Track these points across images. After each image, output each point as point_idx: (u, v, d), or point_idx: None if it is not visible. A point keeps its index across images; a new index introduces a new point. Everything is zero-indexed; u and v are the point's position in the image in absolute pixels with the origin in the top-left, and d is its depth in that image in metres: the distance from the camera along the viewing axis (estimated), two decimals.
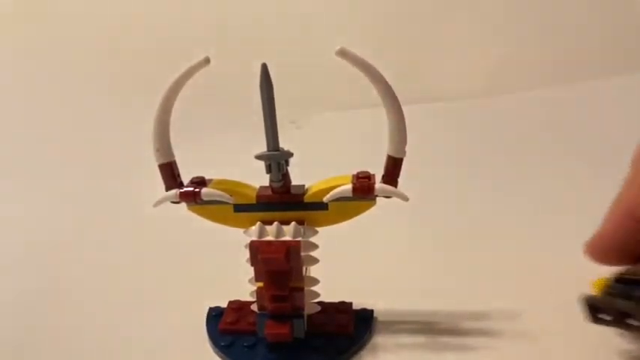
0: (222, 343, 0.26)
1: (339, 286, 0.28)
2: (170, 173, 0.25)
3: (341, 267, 0.28)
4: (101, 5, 0.73)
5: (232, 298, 0.29)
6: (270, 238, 0.24)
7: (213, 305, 0.29)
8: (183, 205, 0.25)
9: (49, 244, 0.40)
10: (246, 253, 0.24)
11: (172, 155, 0.25)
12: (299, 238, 0.24)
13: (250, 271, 0.25)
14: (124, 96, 0.65)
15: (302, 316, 0.25)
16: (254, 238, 0.24)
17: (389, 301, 0.29)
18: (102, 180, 0.51)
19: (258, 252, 0.23)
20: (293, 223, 0.24)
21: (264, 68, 0.22)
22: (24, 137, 0.59)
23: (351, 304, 0.29)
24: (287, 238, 0.24)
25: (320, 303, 0.27)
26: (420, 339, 0.27)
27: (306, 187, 0.25)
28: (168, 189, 0.25)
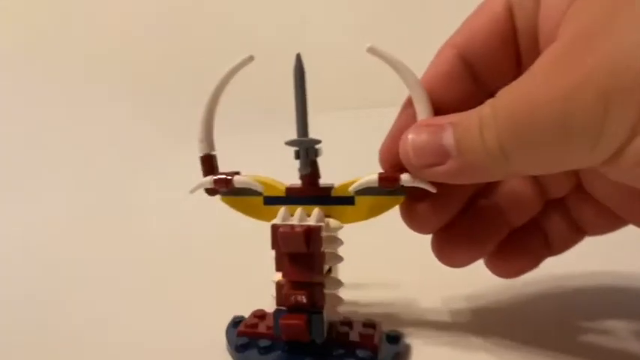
0: (238, 343, 0.25)
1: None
2: (210, 165, 0.27)
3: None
4: (101, 5, 0.74)
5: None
6: (293, 222, 0.24)
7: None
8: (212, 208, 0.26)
9: (63, 246, 0.39)
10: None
11: (214, 148, 0.27)
12: (321, 223, 0.23)
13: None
14: (124, 96, 0.65)
15: (321, 313, 0.24)
16: (276, 222, 0.24)
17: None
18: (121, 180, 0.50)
19: (278, 232, 0.23)
20: (316, 208, 0.24)
21: (298, 58, 0.24)
22: (24, 137, 0.59)
23: (379, 322, 0.26)
24: (311, 223, 0.24)
25: (344, 318, 0.25)
26: None
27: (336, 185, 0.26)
28: None
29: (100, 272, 0.36)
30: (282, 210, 0.24)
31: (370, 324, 0.26)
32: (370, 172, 0.25)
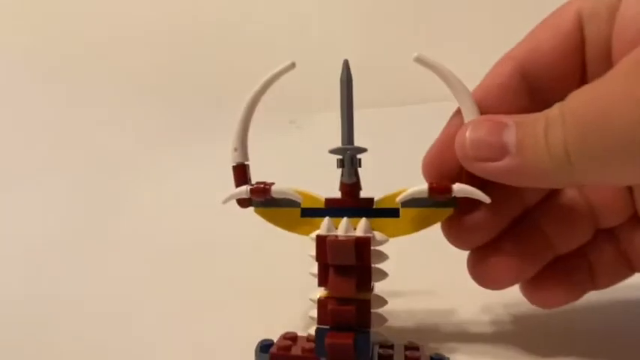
0: None
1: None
2: (243, 174, 0.25)
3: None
4: (102, 5, 0.73)
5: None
6: (338, 232, 0.23)
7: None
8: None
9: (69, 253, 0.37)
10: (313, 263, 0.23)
11: (247, 157, 0.26)
12: (370, 234, 0.22)
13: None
14: (125, 97, 0.64)
15: (368, 333, 0.22)
16: (321, 233, 0.23)
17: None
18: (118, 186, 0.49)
19: (325, 243, 0.22)
20: (364, 219, 0.23)
21: (346, 64, 0.23)
22: (23, 137, 0.58)
23: (422, 345, 0.25)
24: (358, 234, 0.22)
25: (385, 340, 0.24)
26: None
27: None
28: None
29: (102, 287, 0.33)
30: (326, 220, 0.23)
31: (414, 347, 0.24)
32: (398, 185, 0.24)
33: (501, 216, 0.24)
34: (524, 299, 0.25)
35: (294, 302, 0.26)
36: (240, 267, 0.33)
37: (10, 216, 0.41)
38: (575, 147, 0.18)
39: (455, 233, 0.24)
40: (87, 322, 0.28)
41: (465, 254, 0.25)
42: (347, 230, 0.22)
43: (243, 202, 0.25)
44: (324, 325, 0.22)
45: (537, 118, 0.20)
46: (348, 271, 0.21)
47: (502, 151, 0.20)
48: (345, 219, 0.23)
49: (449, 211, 0.23)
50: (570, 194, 0.24)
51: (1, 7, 0.74)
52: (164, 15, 0.73)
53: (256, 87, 0.25)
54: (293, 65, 0.24)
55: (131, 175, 0.49)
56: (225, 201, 0.25)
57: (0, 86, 0.66)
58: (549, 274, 0.24)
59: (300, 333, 0.25)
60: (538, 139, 0.19)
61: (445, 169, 0.24)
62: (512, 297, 0.26)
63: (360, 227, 0.22)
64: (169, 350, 0.27)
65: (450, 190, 0.22)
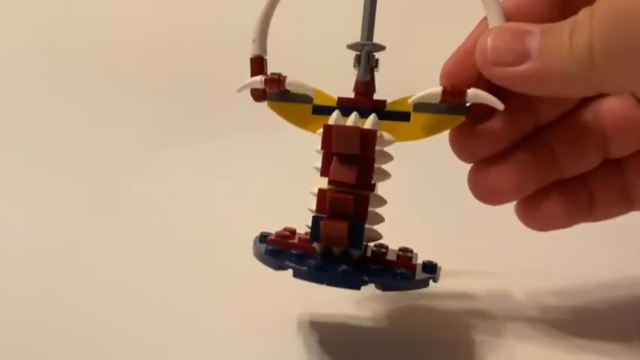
0: (269, 248, 0.24)
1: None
2: (260, 67, 0.25)
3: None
4: (102, 4, 0.73)
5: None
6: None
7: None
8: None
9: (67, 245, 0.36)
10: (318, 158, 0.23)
11: (266, 51, 0.26)
12: (377, 129, 0.22)
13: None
14: (125, 94, 0.63)
15: (363, 224, 0.22)
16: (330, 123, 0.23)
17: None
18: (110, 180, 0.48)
19: (331, 130, 0.22)
20: (373, 114, 0.23)
21: None
22: (22, 137, 0.57)
23: (416, 253, 0.25)
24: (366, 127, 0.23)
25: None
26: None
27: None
28: None
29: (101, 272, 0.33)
30: (335, 113, 0.23)
31: (405, 249, 0.25)
32: None
33: (512, 129, 0.23)
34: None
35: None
36: (239, 266, 0.31)
37: (10, 216, 0.40)
38: (599, 47, 0.18)
39: (462, 142, 0.24)
40: (86, 321, 0.27)
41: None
42: (355, 123, 0.23)
43: (257, 94, 0.25)
44: (321, 213, 0.23)
45: (563, 25, 0.19)
46: (351, 159, 0.22)
47: (523, 56, 0.20)
48: (354, 113, 0.23)
49: (461, 119, 0.23)
50: (585, 117, 0.23)
51: (1, 6, 0.73)
52: (164, 14, 0.72)
53: None
54: None
55: (131, 174, 0.48)
56: (240, 89, 0.25)
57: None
58: (549, 194, 0.23)
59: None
60: (562, 43, 0.19)
61: (464, 79, 0.24)
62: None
63: (368, 122, 0.23)
64: (168, 346, 0.26)
65: (463, 94, 0.22)
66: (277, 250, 0.24)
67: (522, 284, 0.29)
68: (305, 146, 0.26)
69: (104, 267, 0.33)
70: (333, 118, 0.23)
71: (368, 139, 0.22)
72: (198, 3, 0.73)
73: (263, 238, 0.26)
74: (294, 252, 0.24)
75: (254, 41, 0.26)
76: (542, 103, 0.23)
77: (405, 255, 0.24)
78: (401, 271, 0.22)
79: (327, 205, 0.22)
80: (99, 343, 0.25)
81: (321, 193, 0.23)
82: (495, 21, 0.22)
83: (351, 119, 0.23)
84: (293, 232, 0.26)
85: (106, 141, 0.55)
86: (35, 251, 0.35)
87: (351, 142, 0.21)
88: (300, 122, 0.25)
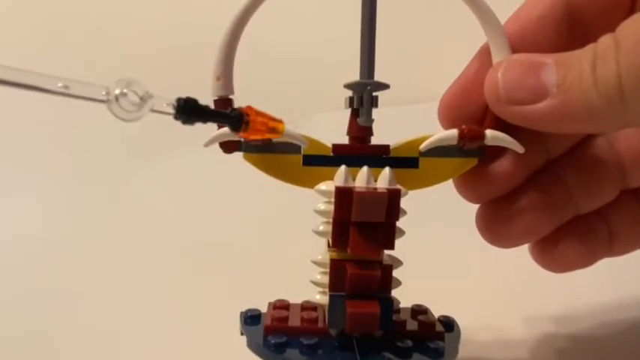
0: (273, 341, 0.19)
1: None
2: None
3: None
4: (100, 5, 0.72)
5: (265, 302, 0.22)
6: (359, 184, 0.19)
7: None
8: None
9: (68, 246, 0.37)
10: (318, 219, 0.19)
11: (233, 91, 0.20)
12: (399, 187, 0.19)
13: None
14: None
15: (390, 299, 0.19)
16: (339, 184, 0.19)
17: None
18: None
19: (349, 196, 0.18)
20: (387, 168, 0.19)
21: None
22: (21, 136, 0.57)
23: (427, 308, 0.22)
24: (381, 185, 0.19)
25: None
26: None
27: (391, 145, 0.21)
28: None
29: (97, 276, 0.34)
30: (342, 169, 0.19)
31: (420, 310, 0.22)
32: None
33: (522, 166, 0.21)
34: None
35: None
36: (238, 266, 0.33)
37: (8, 216, 0.41)
38: (630, 79, 0.16)
39: (471, 185, 0.21)
40: (85, 320, 0.29)
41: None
42: (368, 181, 0.19)
43: (228, 146, 0.20)
44: (338, 292, 0.19)
45: (581, 54, 0.17)
46: (374, 229, 0.18)
47: (541, 93, 0.17)
48: (365, 168, 0.19)
49: (473, 161, 0.21)
50: (599, 146, 0.22)
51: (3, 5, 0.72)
52: (163, 13, 0.72)
53: (245, 2, 0.20)
54: None
55: (129, 176, 0.49)
56: (208, 143, 0.20)
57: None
58: (565, 233, 0.22)
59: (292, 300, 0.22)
60: (584, 76, 0.17)
61: (467, 112, 0.21)
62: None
63: (384, 178, 0.19)
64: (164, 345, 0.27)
65: (483, 137, 0.20)
66: (281, 342, 0.19)
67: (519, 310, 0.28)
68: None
69: (102, 265, 0.34)
70: (342, 177, 0.19)
71: (393, 201, 0.18)
72: (194, 6, 0.71)
73: (251, 319, 0.21)
74: (304, 341, 0.19)
75: (217, 79, 0.20)
76: (552, 135, 0.22)
77: (427, 321, 0.21)
78: (434, 346, 0.19)
79: (349, 284, 0.18)
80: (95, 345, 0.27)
81: (337, 267, 0.19)
82: (500, 51, 0.20)
83: (363, 178, 0.19)
84: (287, 307, 0.22)
85: (104, 142, 0.55)
86: (32, 251, 0.36)
87: (378, 209, 0.18)
88: (289, 177, 0.20)
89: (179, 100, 0.16)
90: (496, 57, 0.20)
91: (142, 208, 0.43)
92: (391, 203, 0.18)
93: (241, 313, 0.22)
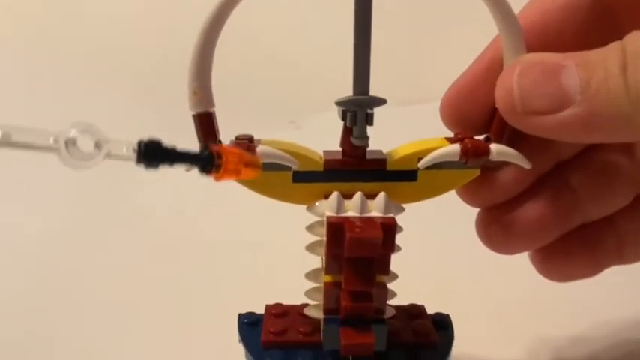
0: (272, 358, 0.20)
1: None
2: (209, 127, 0.18)
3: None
4: (100, 4, 0.72)
5: (264, 303, 0.22)
6: (352, 213, 0.18)
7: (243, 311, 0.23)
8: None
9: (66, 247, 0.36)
10: (312, 235, 0.19)
11: (212, 103, 0.19)
12: (391, 215, 0.18)
13: (309, 262, 0.19)
14: (124, 96, 0.63)
15: (384, 322, 0.19)
16: (330, 214, 0.18)
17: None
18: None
19: (340, 233, 0.17)
20: (382, 194, 0.18)
21: None
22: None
23: (423, 307, 0.23)
24: (375, 214, 0.18)
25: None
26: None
27: (384, 152, 0.20)
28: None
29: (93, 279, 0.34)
30: (334, 197, 0.18)
31: (416, 312, 0.22)
32: (432, 139, 0.19)
33: (529, 172, 0.20)
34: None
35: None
36: (237, 266, 0.33)
37: (8, 217, 0.41)
38: None
39: (473, 191, 0.20)
40: (85, 320, 0.29)
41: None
42: (362, 210, 0.18)
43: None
44: (331, 314, 0.19)
45: (606, 54, 0.15)
46: (369, 262, 0.17)
47: (563, 100, 0.16)
48: (358, 195, 0.18)
49: (475, 173, 0.19)
50: (613, 149, 0.20)
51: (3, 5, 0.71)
52: (163, 12, 0.70)
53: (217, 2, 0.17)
54: None
55: (129, 174, 0.45)
56: (189, 169, 0.18)
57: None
58: (569, 241, 0.20)
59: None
60: (612, 80, 0.15)
61: (472, 114, 0.19)
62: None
63: (379, 206, 0.18)
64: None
65: (487, 153, 0.18)
66: (282, 356, 0.20)
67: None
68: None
69: (102, 265, 0.34)
70: (334, 205, 0.18)
71: (388, 235, 0.17)
72: (197, 4, 0.65)
73: (248, 325, 0.22)
74: (305, 356, 0.20)
75: (195, 94, 0.18)
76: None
77: (422, 330, 0.21)
78: (425, 356, 0.20)
79: (343, 314, 0.18)
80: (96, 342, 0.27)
81: (331, 293, 0.19)
82: (513, 47, 0.17)
83: (356, 205, 0.18)
84: (284, 314, 0.22)
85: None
86: (34, 250, 0.35)
87: (372, 248, 0.17)
88: (279, 194, 0.19)
89: (140, 143, 0.15)
90: (508, 54, 0.18)
91: (143, 207, 0.43)
92: (386, 238, 0.17)
93: (239, 316, 0.22)
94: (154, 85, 0.65)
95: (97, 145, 0.15)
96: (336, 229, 0.17)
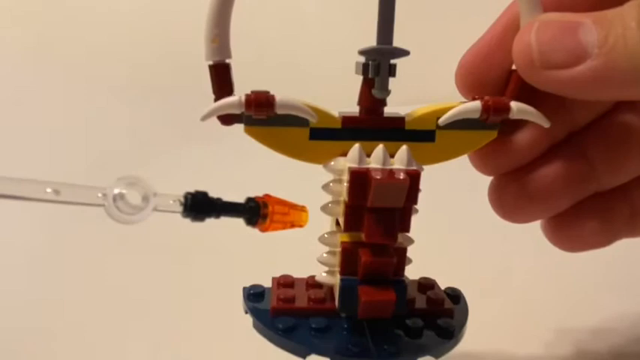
0: (281, 326, 0.19)
1: None
2: (225, 78, 0.18)
3: None
4: (101, 4, 0.72)
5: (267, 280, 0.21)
6: (374, 165, 0.17)
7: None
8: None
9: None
10: (325, 197, 0.18)
11: (230, 54, 0.18)
12: (419, 168, 0.17)
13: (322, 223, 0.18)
14: (124, 96, 0.63)
15: (404, 283, 0.18)
16: (353, 165, 0.17)
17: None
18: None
19: (365, 182, 0.16)
20: (404, 147, 0.18)
21: None
22: (20, 136, 0.56)
23: (434, 280, 0.22)
24: (398, 166, 0.17)
25: None
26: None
27: (403, 114, 0.19)
28: (219, 99, 0.18)
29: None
30: (356, 149, 0.17)
31: (427, 284, 0.21)
32: (449, 103, 0.19)
33: (543, 138, 0.20)
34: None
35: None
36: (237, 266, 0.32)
37: (8, 217, 0.39)
38: None
39: (487, 156, 0.20)
40: (85, 320, 0.29)
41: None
42: (385, 162, 0.17)
43: (227, 119, 0.18)
44: (350, 275, 0.18)
45: (624, 11, 0.15)
46: (391, 214, 0.17)
47: (580, 54, 0.16)
48: (380, 147, 0.18)
49: (493, 134, 0.19)
50: (627, 118, 0.20)
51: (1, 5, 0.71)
52: (163, 12, 0.71)
53: None
54: None
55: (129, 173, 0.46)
56: (206, 117, 0.18)
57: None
58: (582, 210, 0.20)
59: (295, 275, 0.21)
60: (630, 34, 0.15)
61: (487, 78, 0.19)
62: None
63: (401, 158, 0.17)
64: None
65: (508, 109, 0.18)
66: (290, 326, 0.19)
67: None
68: None
69: (103, 266, 0.34)
70: (356, 156, 0.17)
71: (413, 185, 0.17)
72: (198, 5, 0.67)
73: (254, 296, 0.20)
74: (314, 324, 0.19)
75: (212, 41, 0.17)
76: (578, 104, 0.20)
77: (436, 298, 0.20)
78: (444, 325, 0.19)
79: (362, 271, 0.17)
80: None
81: (349, 252, 0.18)
82: (530, 8, 0.18)
83: (379, 157, 0.17)
84: (291, 284, 0.21)
85: (104, 141, 0.54)
86: (31, 252, 0.35)
87: (398, 196, 0.16)
88: (294, 152, 0.19)
89: (187, 196, 0.15)
90: (526, 17, 0.18)
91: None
92: (411, 188, 0.16)
93: (244, 288, 0.21)
94: (154, 85, 0.64)
95: (145, 199, 0.15)
96: (360, 178, 0.17)
